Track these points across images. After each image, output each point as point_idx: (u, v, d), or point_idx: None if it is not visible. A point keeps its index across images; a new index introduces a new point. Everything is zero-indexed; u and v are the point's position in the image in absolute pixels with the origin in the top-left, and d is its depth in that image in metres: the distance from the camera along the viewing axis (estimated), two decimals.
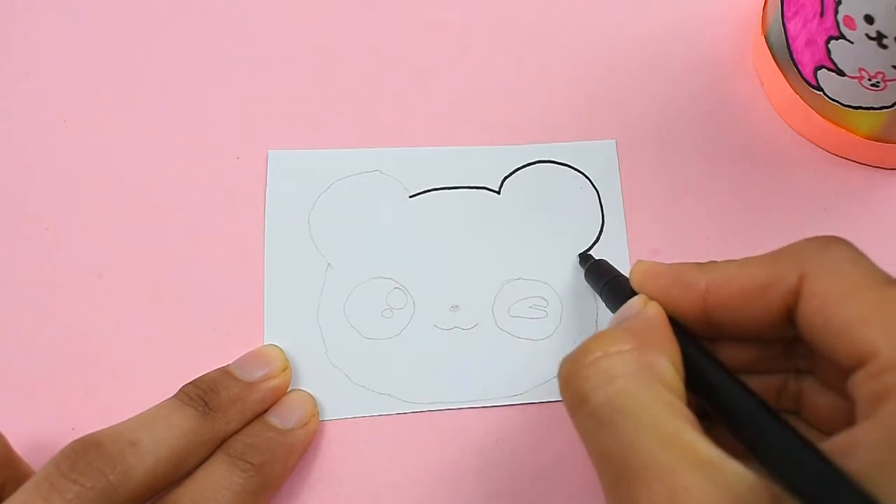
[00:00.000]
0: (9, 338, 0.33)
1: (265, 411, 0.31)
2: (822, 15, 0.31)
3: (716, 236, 0.35)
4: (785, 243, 0.35)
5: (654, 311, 0.25)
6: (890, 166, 0.36)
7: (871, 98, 0.33)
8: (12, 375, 0.33)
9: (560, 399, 0.24)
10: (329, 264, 0.34)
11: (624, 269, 0.34)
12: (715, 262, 0.25)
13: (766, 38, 0.36)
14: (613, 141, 0.36)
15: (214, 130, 0.36)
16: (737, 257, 0.34)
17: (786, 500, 0.19)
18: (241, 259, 0.34)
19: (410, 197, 0.35)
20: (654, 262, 0.26)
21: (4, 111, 0.37)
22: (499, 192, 0.35)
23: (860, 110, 0.34)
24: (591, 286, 0.32)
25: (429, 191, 0.35)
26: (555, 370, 0.24)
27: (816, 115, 0.35)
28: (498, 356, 0.33)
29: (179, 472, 0.28)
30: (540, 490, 0.31)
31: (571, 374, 0.22)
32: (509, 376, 0.33)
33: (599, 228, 0.35)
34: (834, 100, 0.34)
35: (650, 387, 0.21)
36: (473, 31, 0.39)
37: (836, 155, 0.36)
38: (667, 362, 0.23)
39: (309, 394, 0.32)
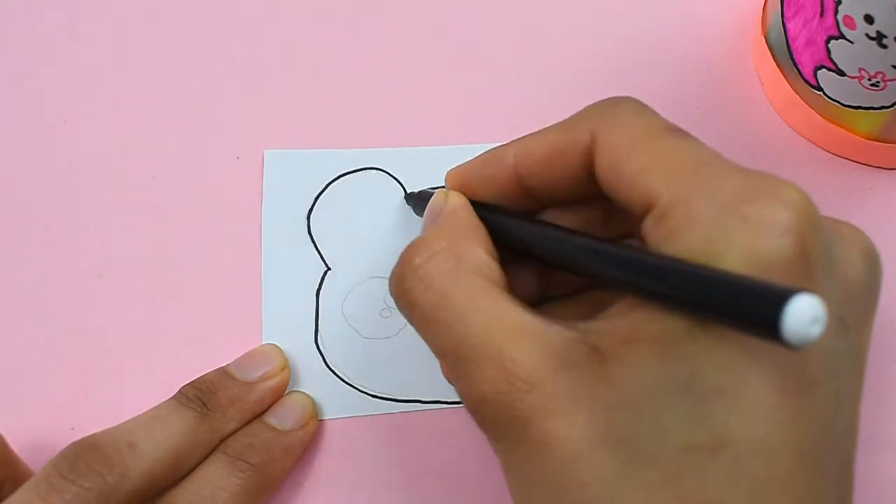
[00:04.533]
0: (9, 338, 0.33)
1: (264, 411, 0.31)
2: (822, 15, 0.31)
3: None
4: None
5: (455, 202, 0.27)
6: (890, 166, 0.36)
7: (871, 98, 0.33)
8: (12, 375, 0.33)
9: None
10: (327, 264, 0.34)
11: None
12: (522, 136, 0.26)
13: (766, 38, 0.36)
14: None
15: (214, 130, 0.36)
16: None
17: (602, 346, 0.21)
18: (240, 259, 0.34)
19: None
20: (463, 163, 0.28)
21: (4, 111, 0.37)
22: None
23: (860, 110, 0.34)
24: (417, 212, 0.32)
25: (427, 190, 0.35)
26: None
27: (816, 115, 0.35)
28: None
29: (178, 473, 0.28)
30: None
31: (398, 288, 0.25)
32: None
33: None
34: (834, 100, 0.34)
35: (467, 279, 0.23)
36: (471, 29, 0.38)
37: (836, 155, 0.36)
38: (478, 249, 0.25)
39: (308, 395, 0.32)
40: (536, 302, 0.27)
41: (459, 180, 0.28)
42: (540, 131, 0.26)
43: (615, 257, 0.22)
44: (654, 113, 0.24)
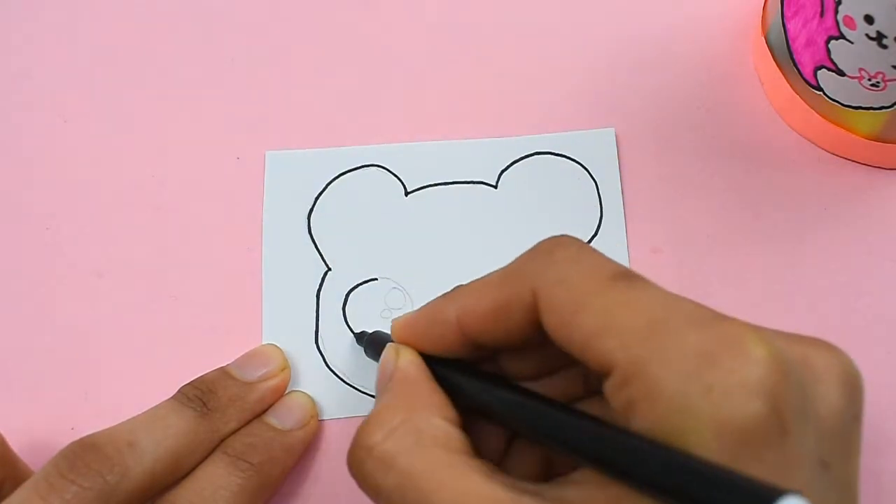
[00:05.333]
0: (9, 338, 0.33)
1: (264, 411, 0.31)
2: (822, 15, 0.31)
3: (715, 235, 0.35)
4: (785, 243, 0.35)
5: (407, 363, 0.25)
6: (890, 166, 0.36)
7: (871, 98, 0.33)
8: (12, 375, 0.33)
9: None
10: (327, 264, 0.34)
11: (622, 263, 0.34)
12: (461, 287, 0.25)
13: (766, 38, 0.36)
14: (612, 129, 0.36)
15: (215, 131, 0.36)
16: (730, 257, 0.34)
17: None
18: (240, 259, 0.34)
19: (407, 194, 0.35)
20: (408, 314, 0.26)
21: (5, 111, 0.37)
22: (496, 187, 0.35)
23: (860, 110, 0.34)
24: (373, 359, 0.31)
25: (426, 187, 0.35)
26: None
27: (816, 115, 0.35)
28: None
29: (178, 473, 0.28)
30: None
31: (357, 470, 0.23)
32: None
33: (598, 221, 0.35)
34: (834, 100, 0.34)
35: (429, 455, 0.22)
36: (471, 28, 0.39)
37: (836, 155, 0.36)
38: (436, 419, 0.23)
39: (308, 395, 0.32)
40: (504, 452, 0.26)
41: (406, 337, 0.26)
42: (479, 285, 0.24)
43: (575, 432, 0.21)
44: (594, 256, 0.23)
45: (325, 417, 0.32)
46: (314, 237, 0.34)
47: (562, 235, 0.24)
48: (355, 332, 0.33)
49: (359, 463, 0.23)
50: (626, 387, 0.20)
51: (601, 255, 0.23)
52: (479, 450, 0.23)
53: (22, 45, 0.38)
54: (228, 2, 0.39)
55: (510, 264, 0.24)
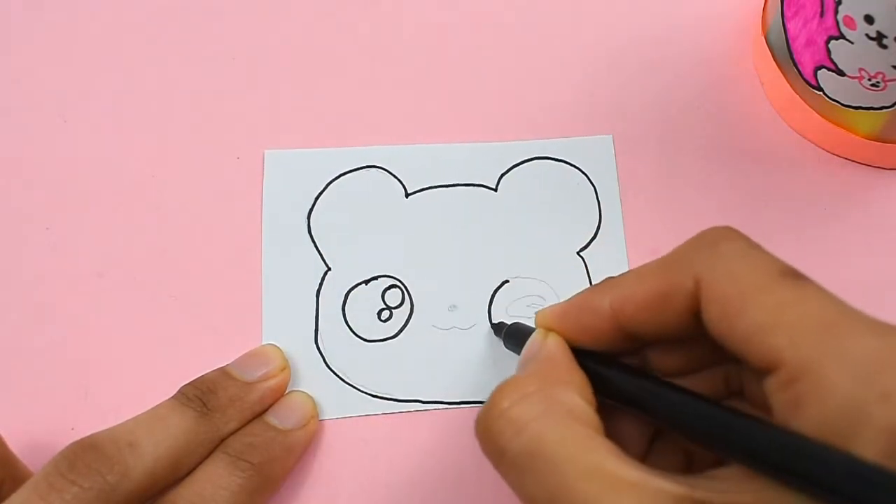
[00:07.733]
0: (9, 338, 0.33)
1: (265, 411, 0.31)
2: (822, 15, 0.31)
3: None
4: (785, 243, 0.35)
5: (553, 344, 0.25)
6: (890, 166, 0.36)
7: (871, 98, 0.33)
8: (12, 375, 0.33)
9: None
10: (327, 264, 0.34)
11: (622, 267, 0.34)
12: (613, 278, 0.25)
13: (766, 38, 0.36)
14: (610, 136, 0.36)
15: (214, 130, 0.36)
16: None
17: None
18: (241, 259, 0.34)
19: (407, 195, 0.35)
20: (554, 305, 0.26)
21: (4, 111, 0.37)
22: (496, 190, 0.35)
23: (860, 110, 0.34)
24: (511, 350, 0.31)
25: (426, 189, 0.35)
26: None
27: (816, 115, 0.35)
28: (496, 356, 0.33)
29: (178, 473, 0.28)
30: None
31: (485, 431, 0.23)
32: (508, 376, 0.32)
33: (597, 225, 0.35)
34: (834, 100, 0.34)
35: (562, 424, 0.22)
36: (471, 29, 0.39)
37: (836, 155, 0.36)
38: (573, 394, 0.23)
39: (308, 395, 0.32)
40: (645, 452, 0.26)
41: (552, 326, 0.26)
42: (636, 274, 0.24)
43: (730, 427, 0.21)
44: (762, 253, 0.22)
45: (325, 417, 0.32)
46: (314, 237, 0.34)
47: (725, 227, 0.23)
48: (493, 322, 0.33)
49: (488, 423, 0.23)
50: (793, 385, 0.20)
51: (767, 251, 0.23)
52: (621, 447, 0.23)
53: (22, 45, 0.38)
54: (229, 1, 0.39)
55: (670, 253, 0.24)
